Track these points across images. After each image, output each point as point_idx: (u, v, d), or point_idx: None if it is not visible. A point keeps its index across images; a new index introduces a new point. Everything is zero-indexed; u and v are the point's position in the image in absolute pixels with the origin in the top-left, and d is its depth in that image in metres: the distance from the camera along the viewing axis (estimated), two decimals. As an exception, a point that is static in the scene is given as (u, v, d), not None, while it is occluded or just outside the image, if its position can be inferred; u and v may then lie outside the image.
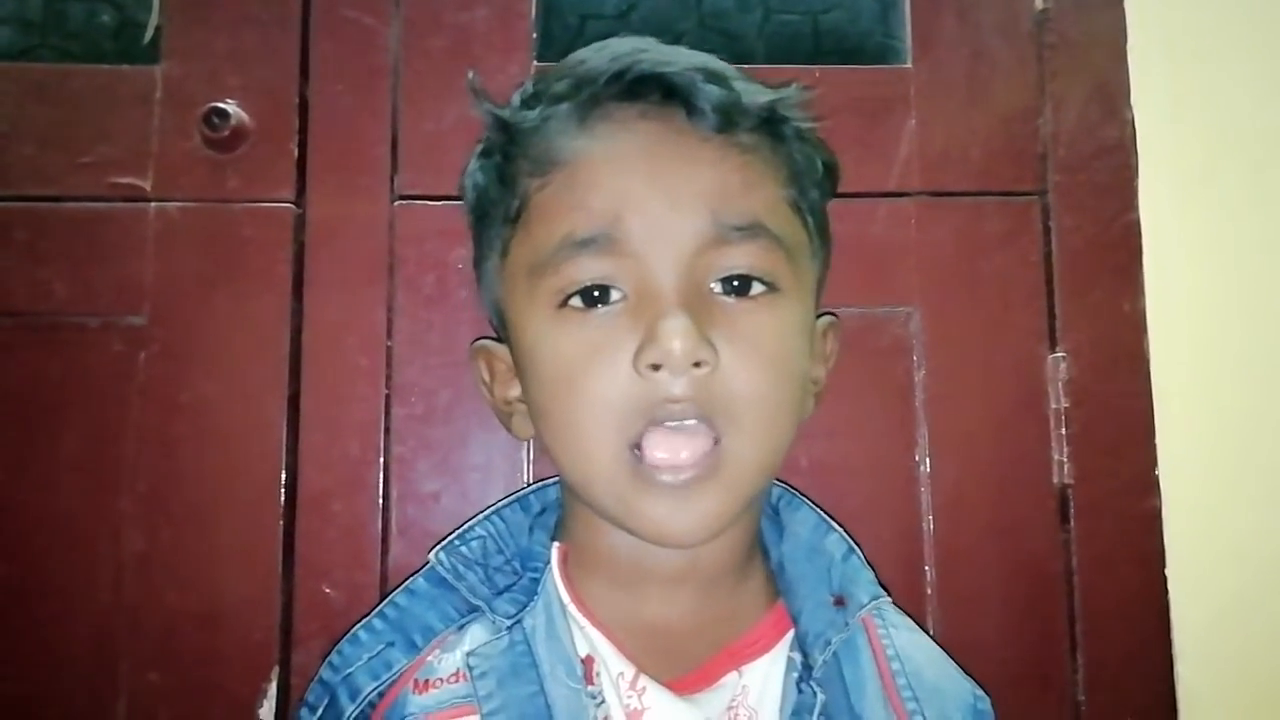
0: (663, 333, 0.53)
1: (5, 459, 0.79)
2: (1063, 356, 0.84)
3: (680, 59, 0.59)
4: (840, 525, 0.68)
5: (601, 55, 0.60)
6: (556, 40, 0.87)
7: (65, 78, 0.83)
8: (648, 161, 0.57)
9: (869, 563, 0.67)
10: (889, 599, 0.64)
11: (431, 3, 0.84)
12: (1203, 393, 0.85)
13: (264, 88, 0.82)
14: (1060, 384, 0.83)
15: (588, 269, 0.56)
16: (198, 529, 0.78)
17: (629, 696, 0.57)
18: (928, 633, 0.70)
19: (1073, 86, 0.87)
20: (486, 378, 0.67)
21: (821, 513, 0.68)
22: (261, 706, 0.76)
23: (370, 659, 0.60)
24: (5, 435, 0.79)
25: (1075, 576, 0.82)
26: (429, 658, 0.60)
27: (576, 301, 0.56)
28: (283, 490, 0.79)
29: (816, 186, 0.64)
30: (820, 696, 0.57)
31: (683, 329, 0.53)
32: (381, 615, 0.62)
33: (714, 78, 0.58)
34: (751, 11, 0.91)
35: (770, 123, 0.61)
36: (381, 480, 0.80)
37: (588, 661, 0.58)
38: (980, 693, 0.65)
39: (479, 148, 0.65)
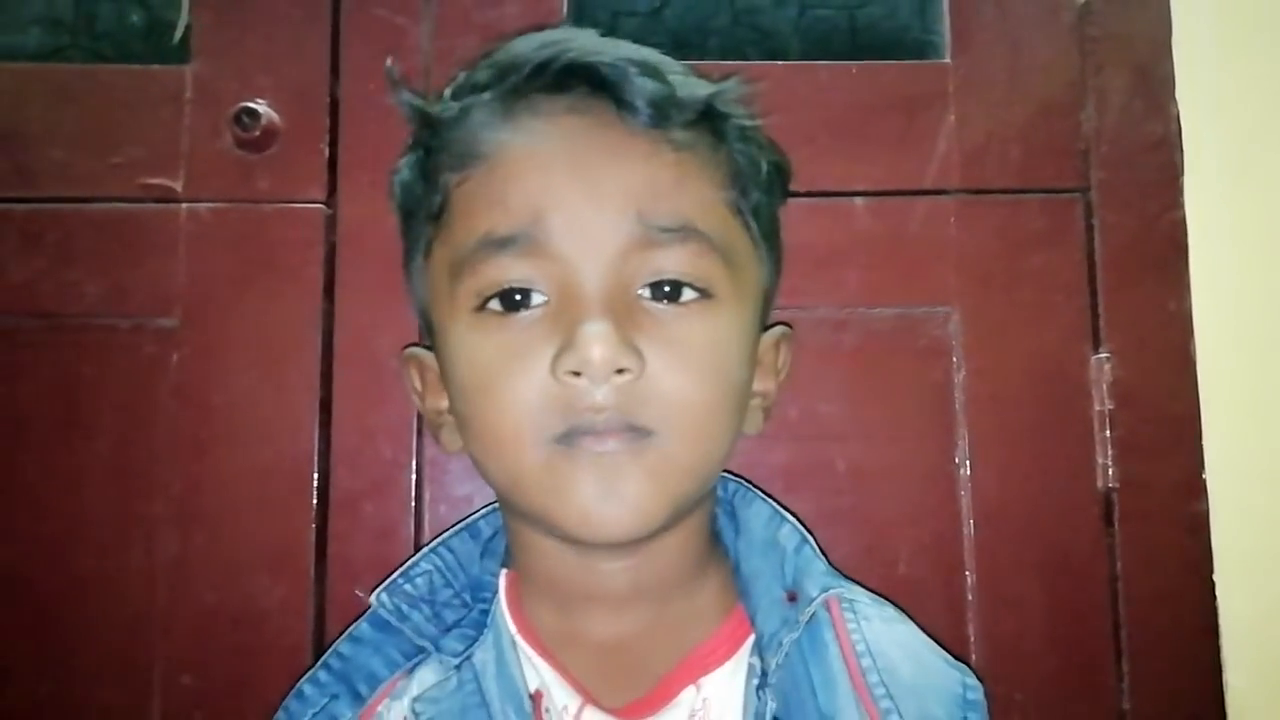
0: (581, 338, 0.50)
1: (37, 462, 0.78)
2: (1106, 357, 0.82)
3: (614, 49, 0.56)
4: (795, 516, 0.63)
5: (529, 43, 0.57)
6: (588, 37, 0.86)
7: (95, 78, 0.82)
8: (571, 156, 0.54)
9: (824, 552, 0.62)
10: (855, 588, 0.60)
11: (462, 2, 0.84)
12: (1250, 394, 0.83)
13: (295, 87, 0.82)
14: (1104, 386, 0.82)
15: (507, 270, 0.53)
16: (230, 531, 0.78)
17: None
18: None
19: (1116, 80, 0.85)
20: (418, 387, 0.64)
21: (775, 505, 0.64)
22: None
23: (314, 715, 0.58)
24: (37, 438, 0.79)
25: (1120, 582, 0.80)
26: (378, 707, 0.57)
27: (495, 304, 0.54)
28: (315, 492, 0.78)
29: (761, 188, 0.60)
30: (771, 705, 0.54)
31: (603, 334, 0.50)
32: (326, 667, 0.60)
33: (648, 70, 0.55)
34: (786, 7, 0.89)
35: (709, 119, 0.57)
36: (414, 482, 0.79)
37: (536, 697, 0.55)
38: (971, 681, 0.60)
39: (407, 144, 0.63)
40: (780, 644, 0.55)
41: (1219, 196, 0.84)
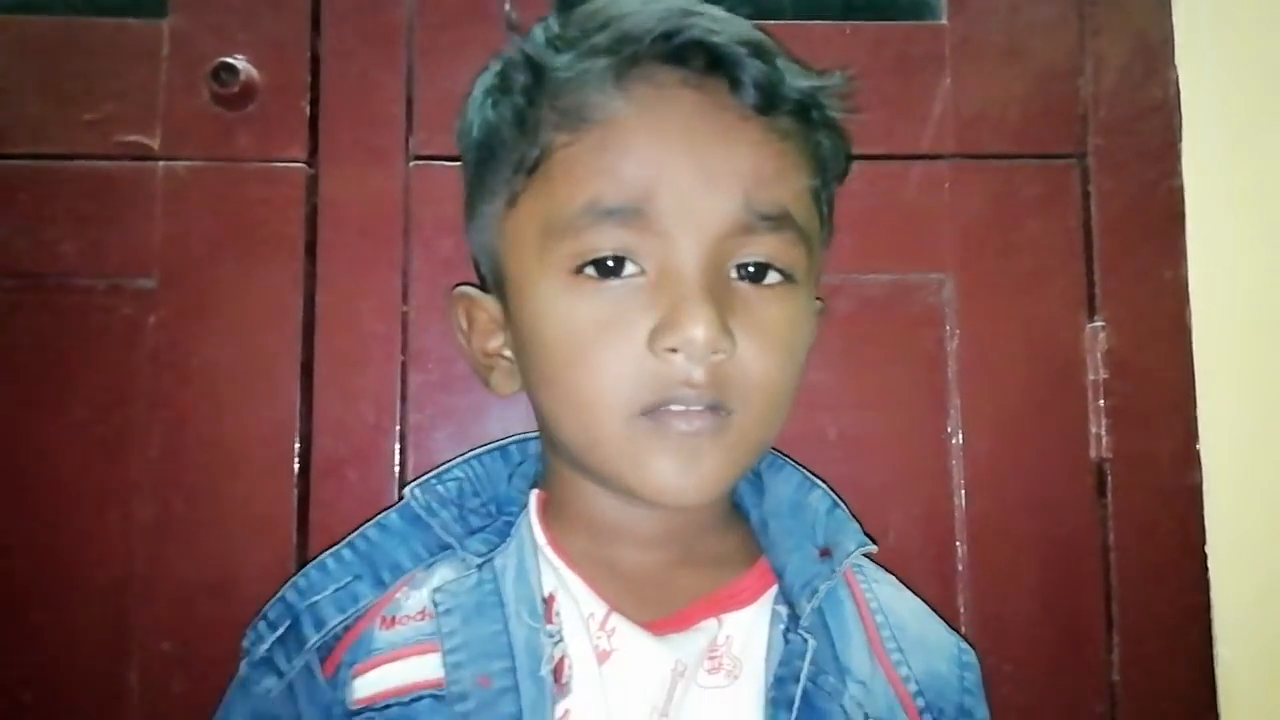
0: (687, 319, 0.52)
1: (11, 425, 0.77)
2: (1101, 326, 0.81)
3: (728, 28, 0.57)
4: (825, 482, 0.66)
5: (647, 12, 0.57)
6: (577, -5, 0.84)
7: (69, 32, 0.80)
8: (685, 134, 0.54)
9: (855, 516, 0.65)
10: (874, 549, 0.63)
11: (448, -45, 0.82)
12: (1246, 364, 0.82)
13: (274, 42, 0.80)
14: (1099, 354, 0.81)
15: (610, 238, 0.54)
16: (209, 497, 0.76)
17: (598, 637, 0.56)
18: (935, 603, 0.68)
19: (1114, 44, 0.84)
20: (464, 326, 0.65)
21: (805, 471, 0.67)
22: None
23: (337, 590, 0.59)
24: (11, 400, 0.77)
25: (1112, 553, 0.80)
26: (397, 594, 0.59)
27: (591, 270, 0.55)
28: (296, 458, 0.77)
29: (836, 177, 0.64)
30: (811, 642, 0.56)
31: (707, 318, 0.52)
32: (351, 546, 0.62)
33: (760, 52, 0.56)
34: (781, -36, 0.87)
35: (808, 109, 0.59)
36: (397, 449, 0.78)
37: (549, 600, 0.57)
38: (965, 646, 0.65)
39: (490, 80, 0.62)
40: (816, 590, 0.58)
41: (1217, 164, 0.83)
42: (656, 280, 0.54)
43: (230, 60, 0.78)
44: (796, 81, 0.57)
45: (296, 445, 0.77)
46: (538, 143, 0.57)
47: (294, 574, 0.74)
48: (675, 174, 0.54)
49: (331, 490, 0.77)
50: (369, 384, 0.78)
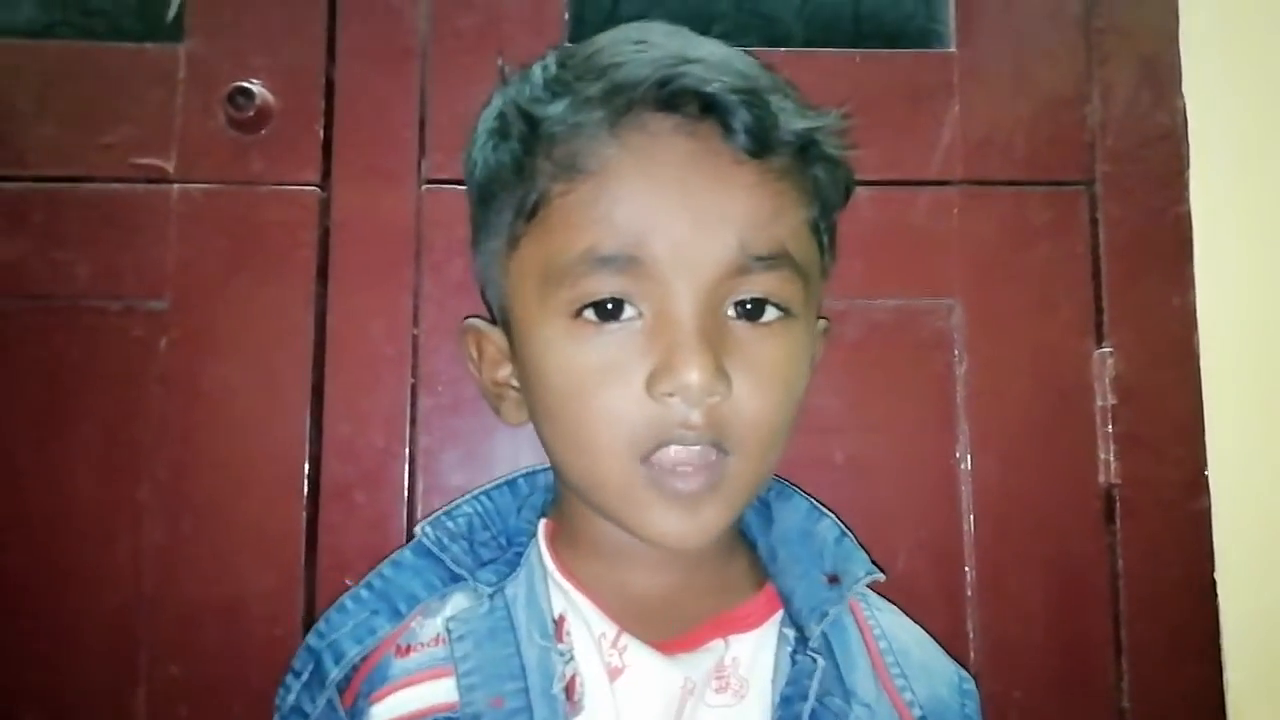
0: (682, 365, 0.53)
1: (23, 446, 0.77)
2: (1110, 352, 0.81)
3: (722, 73, 0.57)
4: (832, 507, 0.68)
5: (641, 59, 0.57)
6: (589, 20, 0.85)
7: (87, 56, 0.81)
8: (679, 181, 0.55)
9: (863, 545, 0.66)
10: (883, 577, 0.64)
11: (460, -18, 0.82)
12: (1254, 390, 0.82)
13: (290, 68, 0.80)
14: (1107, 380, 0.81)
15: (608, 284, 0.55)
16: (219, 519, 0.76)
17: (610, 655, 0.57)
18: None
19: (1122, 72, 0.85)
20: (475, 356, 0.66)
21: (814, 501, 0.68)
22: (283, 701, 0.74)
23: (355, 625, 0.60)
24: (23, 421, 0.77)
25: (1121, 579, 0.79)
26: (412, 624, 0.60)
27: (590, 313, 0.55)
28: (305, 481, 0.77)
29: (836, 207, 0.64)
30: (820, 662, 0.57)
31: (701, 363, 0.53)
32: (368, 585, 0.63)
33: (754, 97, 0.56)
34: (790, -8, 0.88)
35: (803, 147, 0.59)
36: (407, 472, 0.78)
37: (559, 621, 0.59)
38: (965, 674, 0.66)
39: (491, 123, 0.63)
40: (826, 613, 0.60)
41: (1224, 191, 0.83)
42: (653, 325, 0.55)
43: (246, 84, 0.78)
44: (792, 123, 0.58)
45: (306, 467, 0.77)
46: (535, 189, 0.57)
47: (302, 596, 0.76)
48: (669, 221, 0.54)
49: (340, 513, 0.77)
50: (379, 407, 0.78)
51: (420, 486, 0.78)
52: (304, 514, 0.77)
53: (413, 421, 0.78)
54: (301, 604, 0.76)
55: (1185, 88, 0.84)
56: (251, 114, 0.78)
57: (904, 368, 0.82)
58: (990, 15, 0.85)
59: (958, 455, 0.81)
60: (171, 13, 0.81)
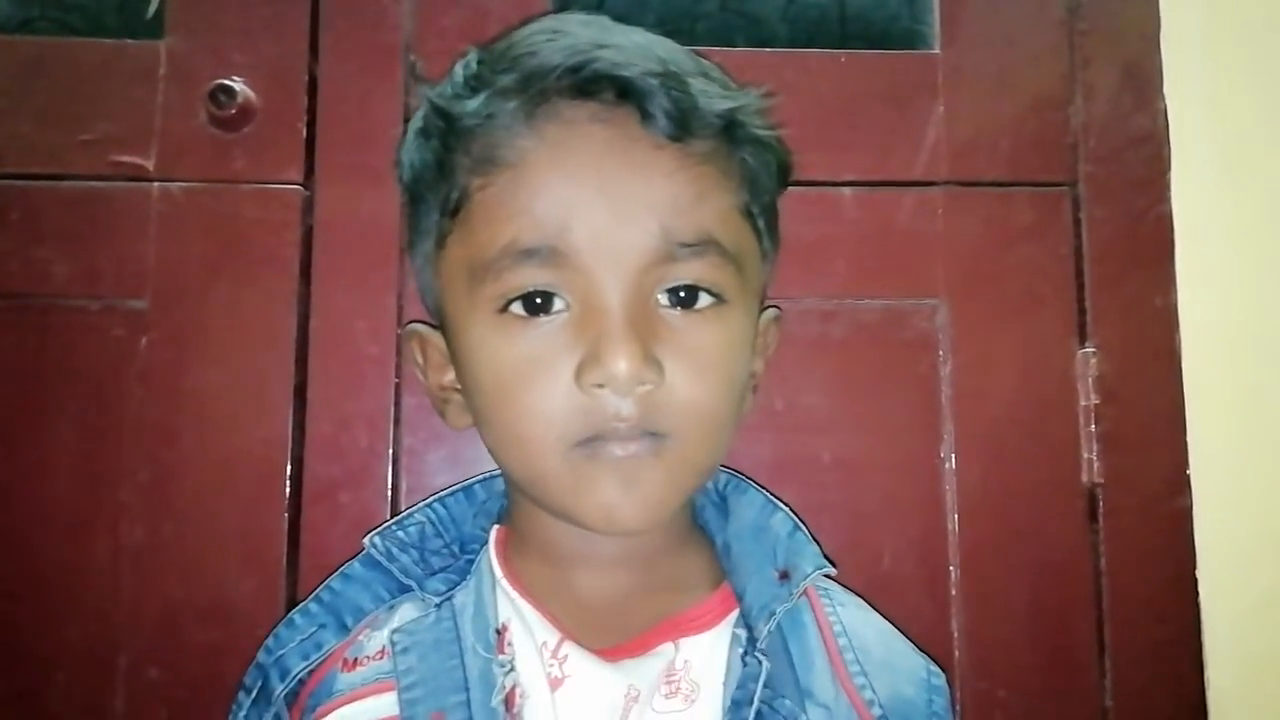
0: (608, 354, 0.52)
1: (1, 446, 0.76)
2: (1092, 352, 0.82)
3: (638, 56, 0.56)
4: (788, 507, 0.65)
5: (554, 46, 0.56)
6: (574, 20, 0.84)
7: (66, 52, 0.80)
8: (597, 169, 0.54)
9: (815, 539, 0.63)
10: (834, 571, 0.62)
11: (445, -21, 0.82)
12: (1235, 390, 0.83)
13: (272, 65, 0.80)
14: (1090, 380, 0.81)
15: (532, 277, 0.54)
16: (200, 521, 0.76)
17: (550, 665, 0.56)
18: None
19: (1104, 74, 0.85)
20: (420, 361, 0.66)
21: (768, 495, 0.66)
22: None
23: (302, 641, 0.60)
24: (1, 421, 0.76)
25: (1104, 578, 0.80)
26: (359, 637, 0.60)
27: (518, 308, 0.55)
28: (288, 481, 0.76)
29: (769, 189, 0.62)
30: (765, 665, 0.56)
31: (628, 351, 0.52)
32: (317, 599, 0.62)
33: (672, 80, 0.55)
34: (775, -7, 0.88)
35: (728, 128, 0.58)
36: (390, 472, 0.78)
37: (501, 631, 0.57)
38: (935, 669, 0.63)
39: (416, 123, 0.62)
40: (773, 613, 0.57)
41: (1206, 191, 0.84)
42: (580, 316, 0.54)
43: (228, 82, 0.78)
44: (712, 104, 0.56)
45: (288, 468, 0.76)
46: (457, 186, 0.57)
47: (284, 598, 0.75)
48: (588, 211, 0.54)
49: (323, 514, 0.77)
50: (362, 407, 0.78)
51: (404, 487, 0.78)
52: (286, 515, 0.76)
53: (396, 421, 0.78)
54: (284, 606, 0.75)
55: (1167, 90, 0.85)
56: (233, 112, 0.77)
57: (889, 368, 0.82)
58: (974, 17, 0.85)
59: (942, 455, 0.81)
60: (152, 9, 0.80)
